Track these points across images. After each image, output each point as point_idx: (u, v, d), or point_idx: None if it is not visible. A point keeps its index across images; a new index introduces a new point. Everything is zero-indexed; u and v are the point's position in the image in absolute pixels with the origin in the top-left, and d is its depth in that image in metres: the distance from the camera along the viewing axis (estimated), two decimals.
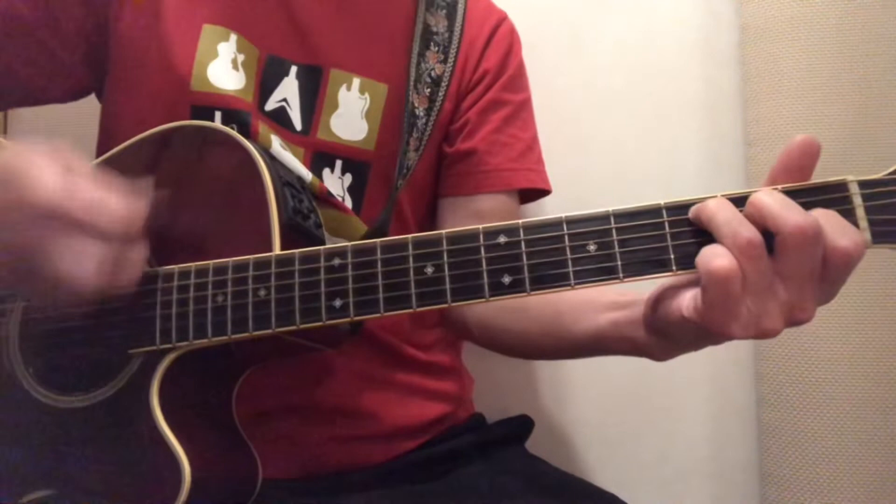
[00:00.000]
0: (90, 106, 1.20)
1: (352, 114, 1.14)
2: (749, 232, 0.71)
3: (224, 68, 1.08)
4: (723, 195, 0.76)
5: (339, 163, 1.13)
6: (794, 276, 0.71)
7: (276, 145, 1.06)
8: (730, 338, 0.74)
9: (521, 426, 1.29)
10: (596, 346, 0.98)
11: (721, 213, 0.73)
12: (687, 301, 0.77)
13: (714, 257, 0.71)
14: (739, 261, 0.70)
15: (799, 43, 1.30)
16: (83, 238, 0.79)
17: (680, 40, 1.49)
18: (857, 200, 0.74)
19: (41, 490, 0.91)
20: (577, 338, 1.00)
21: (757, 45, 1.35)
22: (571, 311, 1.01)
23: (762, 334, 0.73)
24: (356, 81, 1.14)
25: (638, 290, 0.87)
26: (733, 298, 0.71)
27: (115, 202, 0.81)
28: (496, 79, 1.23)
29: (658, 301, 0.83)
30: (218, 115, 1.06)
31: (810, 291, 0.72)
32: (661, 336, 0.85)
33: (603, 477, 1.45)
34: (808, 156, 0.75)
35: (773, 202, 0.72)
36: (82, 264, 0.79)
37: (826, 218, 0.72)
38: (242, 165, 0.94)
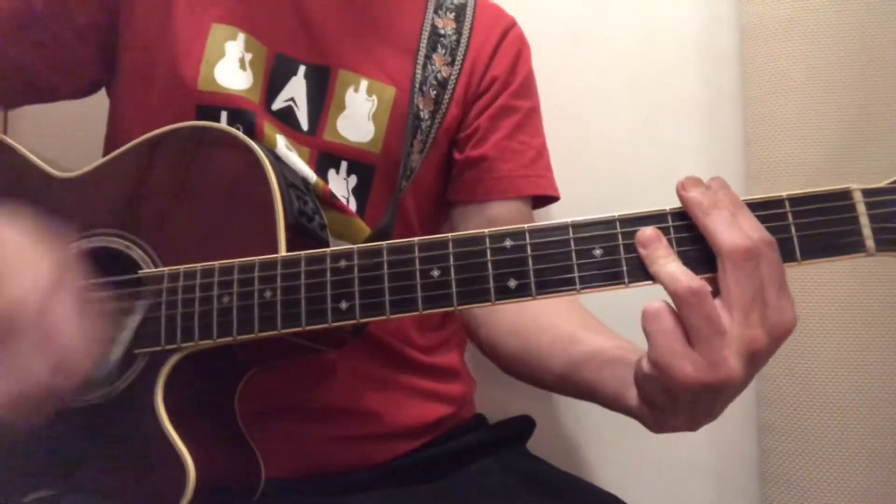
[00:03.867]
0: (92, 104, 1.21)
1: (359, 115, 1.14)
2: (687, 280, 0.72)
3: (231, 68, 1.08)
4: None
5: (344, 164, 1.13)
6: (734, 304, 0.72)
7: (282, 145, 1.06)
8: (688, 383, 0.73)
9: (523, 426, 1.29)
10: (596, 399, 0.97)
11: (667, 267, 0.75)
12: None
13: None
14: (678, 308, 0.72)
15: (799, 43, 1.30)
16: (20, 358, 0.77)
17: (680, 40, 1.49)
18: (861, 209, 0.74)
19: (44, 490, 0.91)
20: (583, 388, 0.98)
21: (757, 45, 1.35)
22: (581, 358, 0.99)
23: (721, 380, 0.73)
24: (364, 83, 1.14)
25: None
26: (667, 336, 0.73)
27: (79, 346, 0.80)
28: (506, 85, 1.24)
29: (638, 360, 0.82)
30: (224, 114, 1.07)
31: (757, 317, 0.73)
32: (645, 402, 0.84)
33: (603, 477, 1.45)
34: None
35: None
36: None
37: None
38: (248, 166, 0.94)
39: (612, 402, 0.92)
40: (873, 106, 1.28)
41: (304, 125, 1.12)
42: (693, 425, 0.83)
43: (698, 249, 0.76)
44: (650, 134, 1.48)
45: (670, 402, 0.79)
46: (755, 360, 0.74)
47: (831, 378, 1.26)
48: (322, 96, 1.13)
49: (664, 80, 1.49)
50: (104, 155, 1.04)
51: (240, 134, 0.97)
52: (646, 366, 0.77)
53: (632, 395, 0.86)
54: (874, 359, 1.26)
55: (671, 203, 0.78)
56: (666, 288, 0.74)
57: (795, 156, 1.29)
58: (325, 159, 1.12)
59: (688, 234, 0.76)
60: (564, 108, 1.48)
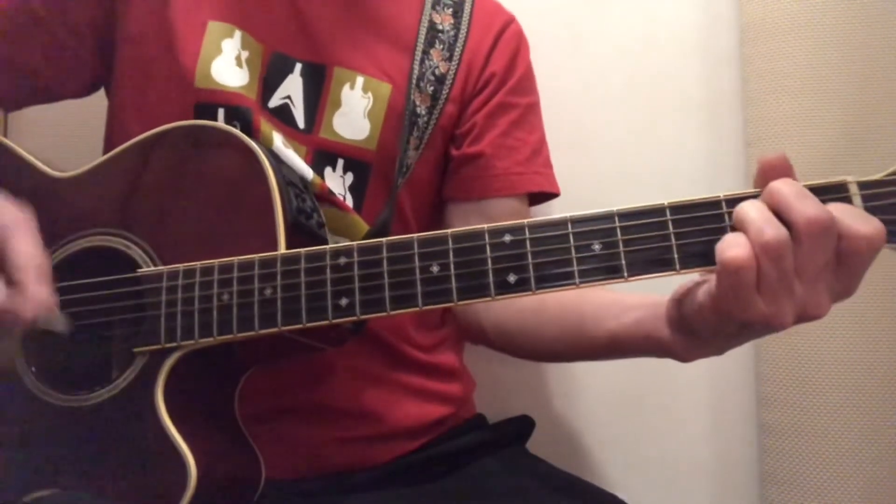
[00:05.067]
0: (92, 104, 1.21)
1: (354, 113, 1.13)
2: (774, 231, 0.71)
3: (228, 65, 1.08)
4: (735, 193, 0.77)
5: (340, 161, 1.13)
6: (806, 270, 0.71)
7: (278, 143, 1.06)
8: (742, 324, 0.75)
9: (522, 426, 1.28)
10: (618, 347, 0.98)
11: (750, 211, 0.73)
12: (704, 287, 0.77)
13: (730, 247, 0.72)
14: (759, 257, 0.71)
15: (799, 43, 1.30)
16: None
17: (680, 40, 1.49)
18: (858, 201, 0.74)
19: (43, 489, 0.91)
20: (599, 339, 1.00)
21: (757, 44, 1.35)
22: (594, 312, 1.01)
23: (773, 328, 0.74)
24: (359, 80, 1.14)
25: (662, 292, 0.88)
26: (744, 288, 0.72)
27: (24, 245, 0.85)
28: (503, 82, 1.23)
29: (682, 295, 0.83)
30: (221, 112, 1.07)
31: (824, 286, 0.73)
32: (684, 333, 0.85)
33: (603, 477, 1.45)
34: (784, 171, 0.76)
35: (789, 192, 0.72)
36: None
37: (842, 209, 0.72)
38: (246, 165, 0.94)
39: (641, 343, 0.93)
40: (873, 106, 1.28)
41: (301, 123, 1.12)
42: (721, 352, 0.86)
43: (700, 243, 0.76)
44: (650, 134, 1.48)
45: (714, 332, 0.81)
46: (808, 319, 0.75)
47: (831, 378, 1.26)
48: (318, 94, 1.13)
49: (664, 80, 1.48)
50: (103, 154, 1.04)
51: (238, 132, 0.97)
52: (702, 297, 0.78)
53: (664, 331, 0.87)
54: (874, 359, 1.26)
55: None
56: (749, 236, 0.72)
57: (795, 156, 1.28)
58: (322, 157, 1.12)
59: (686, 228, 0.76)
60: (564, 107, 1.47)
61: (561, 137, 1.42)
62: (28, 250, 0.84)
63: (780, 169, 0.76)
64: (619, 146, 1.48)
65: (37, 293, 0.83)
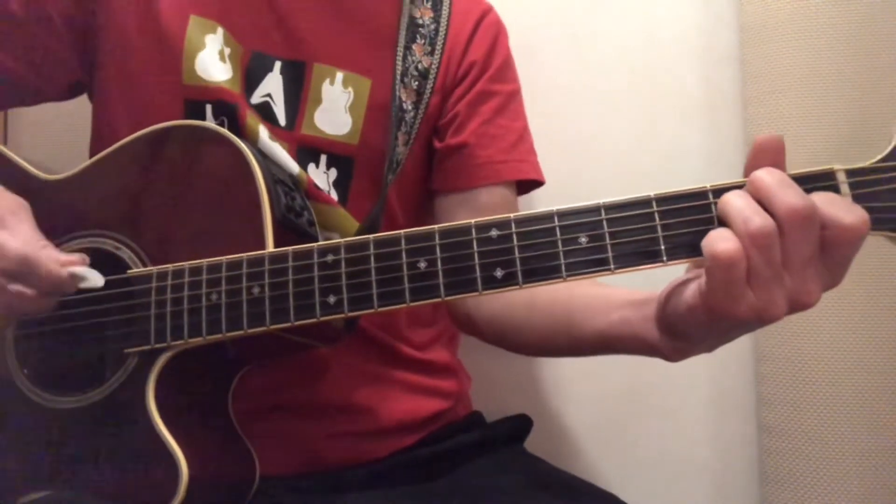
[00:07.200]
0: (88, 105, 1.21)
1: (336, 108, 1.14)
2: (760, 220, 0.70)
3: (212, 59, 1.09)
4: (721, 183, 0.76)
5: (323, 157, 1.13)
6: (793, 260, 0.70)
7: (264, 137, 1.07)
8: (735, 320, 0.73)
9: (520, 425, 1.28)
10: (607, 344, 0.96)
11: (735, 201, 0.72)
12: (692, 287, 0.76)
13: (719, 240, 0.71)
14: (747, 248, 0.70)
15: (799, 43, 1.29)
16: None
17: (680, 40, 1.48)
18: (845, 189, 0.74)
19: (38, 491, 0.91)
20: (587, 336, 0.99)
21: (757, 44, 1.35)
22: (583, 309, 1.00)
23: (765, 321, 0.73)
24: (339, 76, 1.14)
25: (652, 289, 0.87)
26: (736, 283, 0.70)
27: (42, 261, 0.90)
28: (483, 71, 1.23)
29: (669, 296, 0.82)
30: (209, 108, 1.07)
31: (812, 275, 0.72)
32: (672, 334, 0.84)
33: (603, 477, 1.45)
34: (776, 153, 0.75)
35: (772, 181, 0.71)
36: None
37: (826, 198, 0.71)
38: (234, 164, 0.94)
39: (629, 342, 0.92)
40: (873, 106, 1.27)
41: (282, 120, 1.12)
42: (711, 349, 0.84)
43: (687, 234, 0.75)
44: (650, 134, 1.47)
45: (704, 333, 0.80)
46: (799, 309, 0.73)
47: (831, 378, 1.26)
48: (298, 91, 1.14)
49: (664, 80, 1.48)
50: (90, 156, 1.05)
51: (226, 131, 0.97)
52: (691, 297, 0.77)
53: (652, 331, 0.86)
54: (874, 359, 1.25)
55: None
56: (736, 227, 0.72)
57: (795, 156, 1.26)
58: (305, 153, 1.12)
59: (672, 219, 0.76)
60: (564, 107, 1.48)
61: (560, 137, 1.42)
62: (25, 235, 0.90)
63: (773, 149, 0.75)
64: (618, 146, 1.48)
65: (47, 257, 0.89)
